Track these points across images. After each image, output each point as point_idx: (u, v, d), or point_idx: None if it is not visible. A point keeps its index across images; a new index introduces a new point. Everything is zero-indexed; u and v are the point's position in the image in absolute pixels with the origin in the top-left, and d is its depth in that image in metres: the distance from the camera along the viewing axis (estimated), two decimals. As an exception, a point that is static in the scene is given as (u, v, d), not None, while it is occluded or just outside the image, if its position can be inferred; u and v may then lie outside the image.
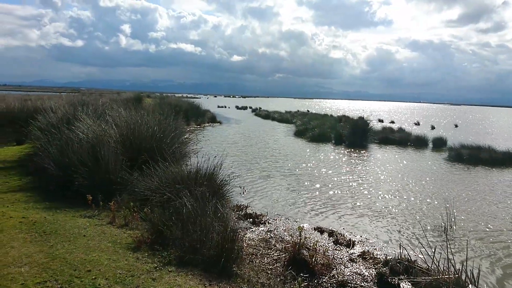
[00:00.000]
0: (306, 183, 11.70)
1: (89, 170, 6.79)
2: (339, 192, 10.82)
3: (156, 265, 4.39)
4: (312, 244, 6.12)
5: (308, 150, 19.51)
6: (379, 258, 6.07)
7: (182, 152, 9.82)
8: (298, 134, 26.40)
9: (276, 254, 5.94)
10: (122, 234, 5.35)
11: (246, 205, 8.87)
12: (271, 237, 6.85)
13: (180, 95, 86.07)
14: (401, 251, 5.93)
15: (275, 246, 6.36)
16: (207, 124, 31.26)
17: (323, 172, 13.58)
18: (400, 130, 27.26)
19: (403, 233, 7.57)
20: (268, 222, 7.82)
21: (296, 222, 7.94)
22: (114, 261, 4.25)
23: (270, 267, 5.39)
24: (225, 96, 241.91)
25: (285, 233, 7.20)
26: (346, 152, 19.52)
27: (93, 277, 3.77)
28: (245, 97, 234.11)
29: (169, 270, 4.33)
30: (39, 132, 9.17)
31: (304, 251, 5.74)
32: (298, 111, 55.73)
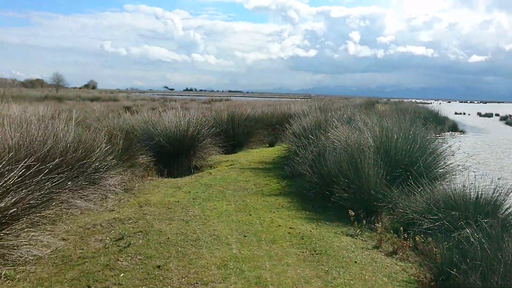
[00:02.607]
0: None
1: (349, 181, 6.23)
2: None
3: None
4: None
5: None
6: None
7: (441, 168, 8.34)
8: None
9: None
10: (394, 265, 4.47)
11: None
12: None
13: (407, 100, 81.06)
14: None
15: None
16: (447, 133, 27.67)
17: None
18: None
19: None
20: None
21: None
22: (400, 309, 3.40)
23: None
24: (460, 102, 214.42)
25: None
26: None
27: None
28: (485, 103, 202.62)
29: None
30: (293, 136, 9.37)
31: None
32: None
